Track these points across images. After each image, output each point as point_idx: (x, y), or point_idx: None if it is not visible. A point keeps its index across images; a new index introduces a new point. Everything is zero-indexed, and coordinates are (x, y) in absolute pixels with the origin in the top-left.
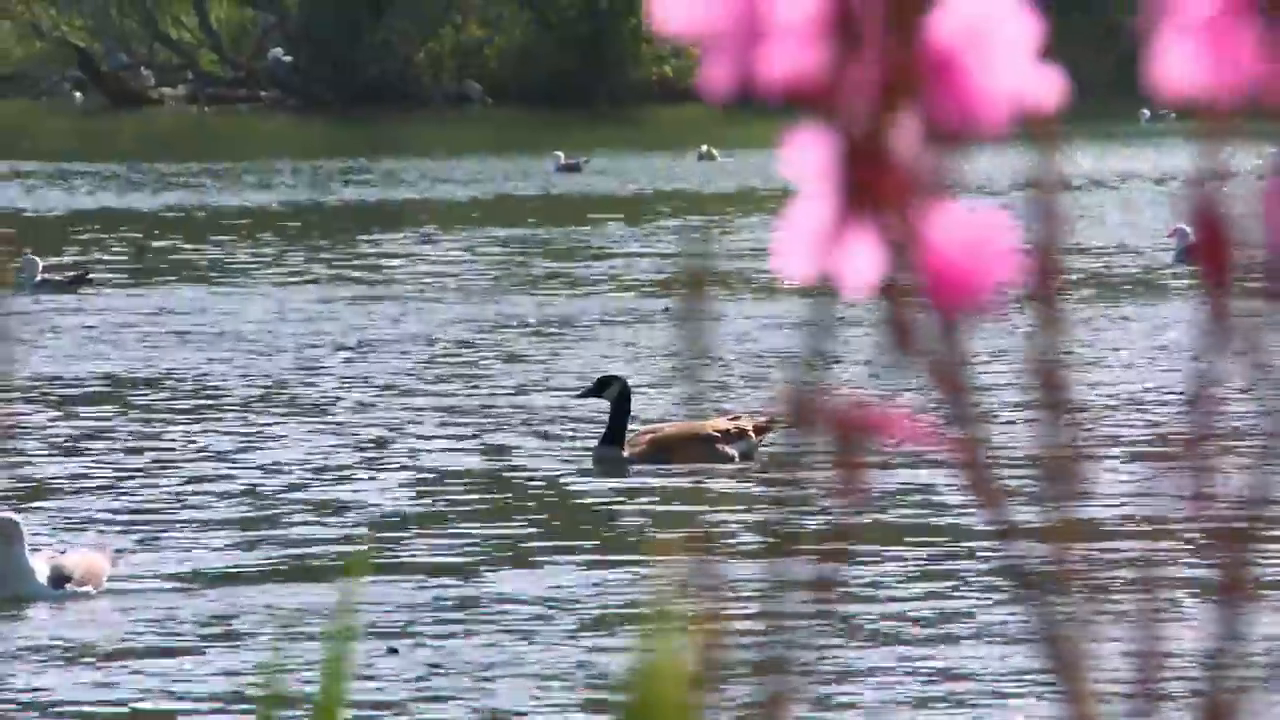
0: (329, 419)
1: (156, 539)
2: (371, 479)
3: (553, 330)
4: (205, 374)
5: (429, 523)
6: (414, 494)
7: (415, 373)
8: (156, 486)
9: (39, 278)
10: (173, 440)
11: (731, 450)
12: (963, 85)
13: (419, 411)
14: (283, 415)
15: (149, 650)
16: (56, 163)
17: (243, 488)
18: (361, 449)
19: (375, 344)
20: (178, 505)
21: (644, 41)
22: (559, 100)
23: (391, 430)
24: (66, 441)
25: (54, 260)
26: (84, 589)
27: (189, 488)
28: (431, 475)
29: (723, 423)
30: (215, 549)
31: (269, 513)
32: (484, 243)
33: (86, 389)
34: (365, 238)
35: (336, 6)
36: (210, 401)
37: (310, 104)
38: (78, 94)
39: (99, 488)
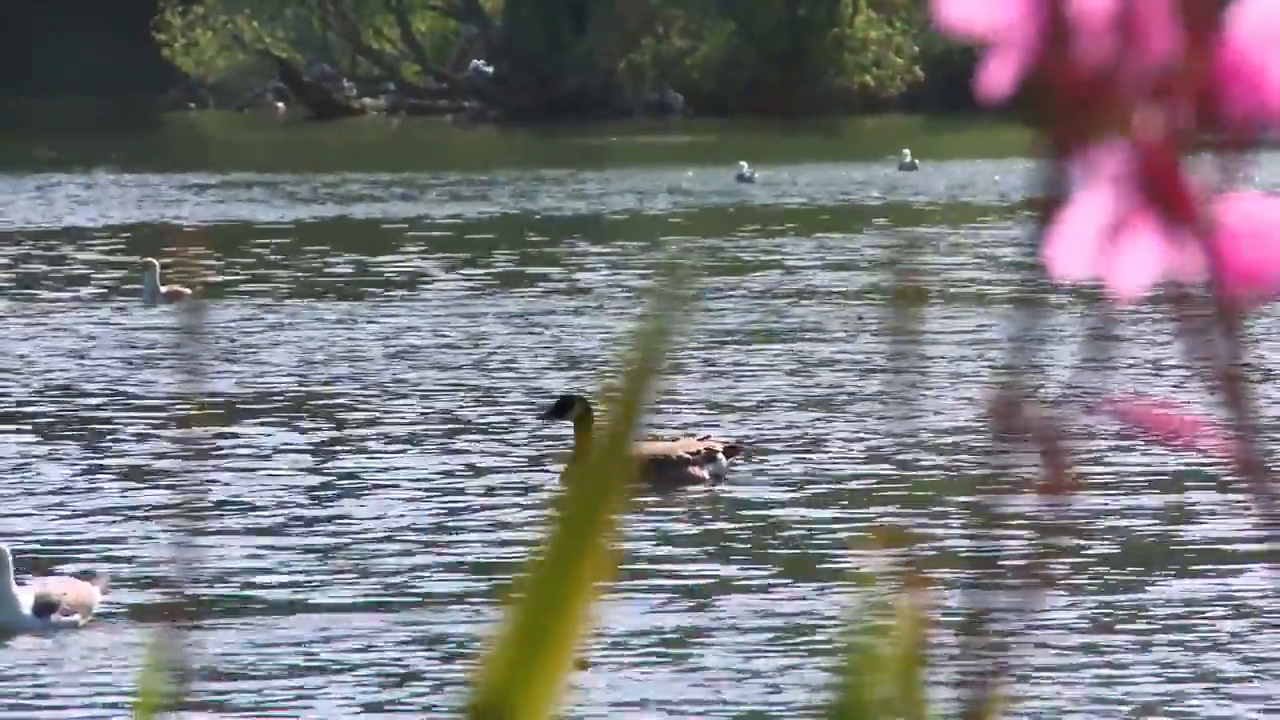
0: (509, 434)
1: (299, 561)
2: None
3: (753, 344)
4: (378, 389)
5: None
6: None
7: (586, 386)
8: (311, 506)
9: (163, 288)
10: (351, 454)
11: (702, 472)
12: (1258, 84)
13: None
14: (468, 429)
15: (281, 674)
16: (259, 173)
17: (407, 502)
18: (535, 467)
19: (566, 355)
20: (328, 525)
21: (845, 51)
22: (760, 110)
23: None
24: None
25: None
26: (71, 618)
27: (330, 511)
28: None
29: (693, 443)
30: (376, 573)
31: (440, 534)
32: (668, 254)
33: (258, 404)
34: (561, 250)
35: (538, 18)
36: (381, 415)
37: (512, 115)
38: (280, 105)
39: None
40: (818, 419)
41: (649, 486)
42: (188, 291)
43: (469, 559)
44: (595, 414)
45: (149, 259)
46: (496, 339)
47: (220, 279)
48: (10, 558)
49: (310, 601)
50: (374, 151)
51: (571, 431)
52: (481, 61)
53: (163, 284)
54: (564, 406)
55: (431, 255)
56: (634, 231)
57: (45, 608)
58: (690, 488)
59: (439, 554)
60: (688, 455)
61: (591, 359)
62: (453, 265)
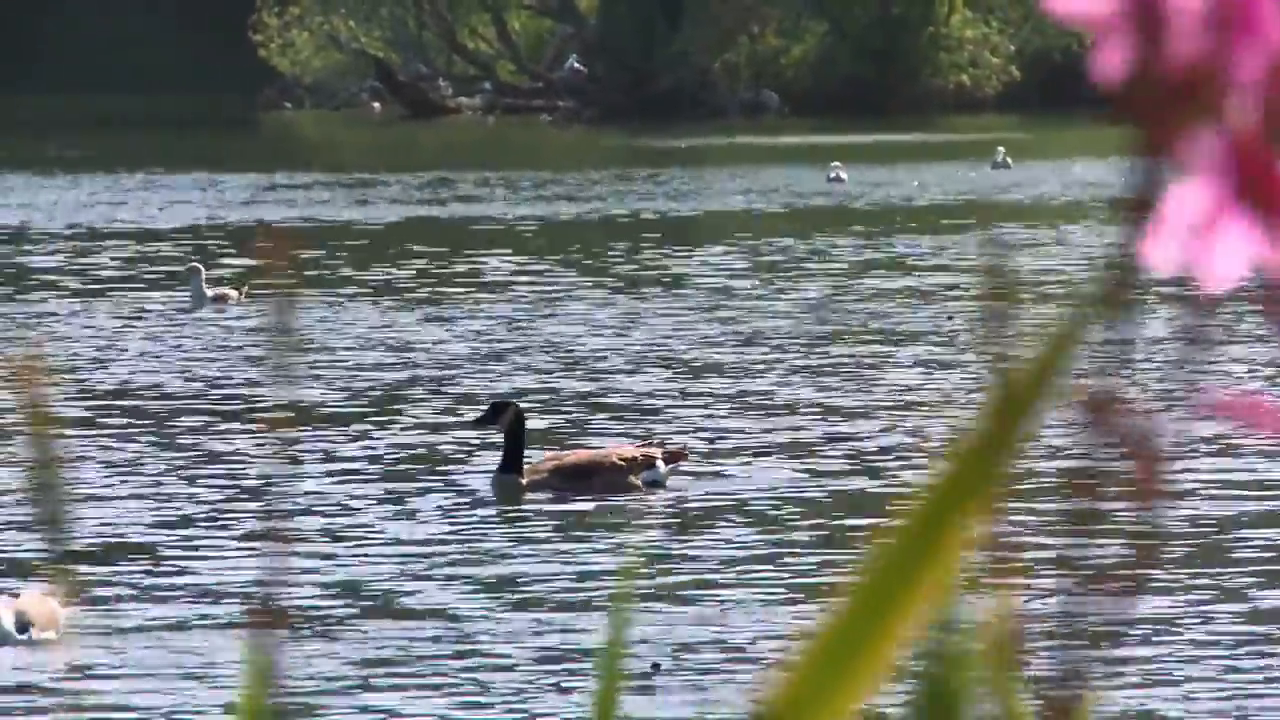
0: (606, 436)
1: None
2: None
3: (835, 344)
4: (465, 390)
5: (702, 544)
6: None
7: (680, 387)
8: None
9: (210, 291)
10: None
11: (638, 479)
12: None
13: (662, 431)
14: (558, 432)
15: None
16: (355, 173)
17: (488, 506)
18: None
19: (659, 355)
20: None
21: (941, 50)
22: (855, 108)
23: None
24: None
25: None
26: (47, 635)
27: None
28: (708, 498)
29: (629, 450)
30: (455, 578)
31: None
32: (761, 255)
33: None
34: (653, 250)
35: (633, 17)
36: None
37: (606, 114)
38: (376, 105)
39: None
40: (905, 418)
41: (581, 493)
42: (234, 294)
43: (547, 563)
44: (525, 421)
45: (194, 263)
46: (587, 340)
47: (308, 279)
48: None
49: (396, 608)
50: (469, 151)
51: (502, 438)
52: (576, 59)
53: (209, 287)
54: (496, 411)
55: (523, 255)
56: (724, 231)
57: (24, 624)
58: (626, 495)
59: (526, 559)
60: (622, 462)
61: (681, 359)
62: (544, 266)
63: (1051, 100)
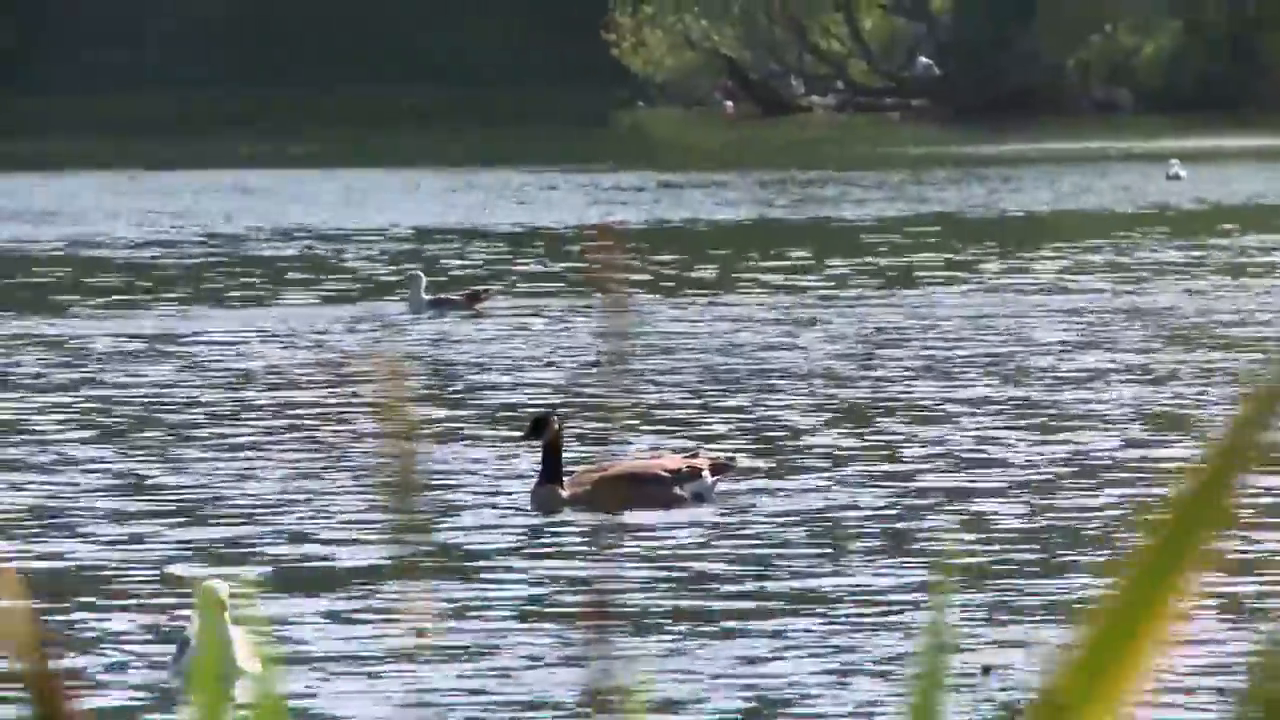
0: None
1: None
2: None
3: (1179, 348)
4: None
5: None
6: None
7: (1023, 393)
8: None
9: (428, 296)
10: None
11: (684, 491)
12: None
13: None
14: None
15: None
16: (704, 171)
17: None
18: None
19: (986, 356)
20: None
21: None
22: (1208, 106)
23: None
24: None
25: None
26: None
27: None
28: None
29: (674, 461)
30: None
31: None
32: (1100, 255)
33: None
34: (980, 248)
35: (986, 16)
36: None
37: (959, 113)
38: (728, 103)
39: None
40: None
41: (623, 506)
42: (457, 299)
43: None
44: (565, 433)
45: (415, 270)
46: (942, 338)
47: (651, 279)
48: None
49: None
50: (819, 150)
51: (540, 450)
52: (927, 59)
53: (428, 293)
54: (539, 425)
55: (870, 255)
56: (1068, 230)
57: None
58: (673, 507)
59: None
60: (666, 473)
61: (1003, 360)
62: (891, 264)
63: None
